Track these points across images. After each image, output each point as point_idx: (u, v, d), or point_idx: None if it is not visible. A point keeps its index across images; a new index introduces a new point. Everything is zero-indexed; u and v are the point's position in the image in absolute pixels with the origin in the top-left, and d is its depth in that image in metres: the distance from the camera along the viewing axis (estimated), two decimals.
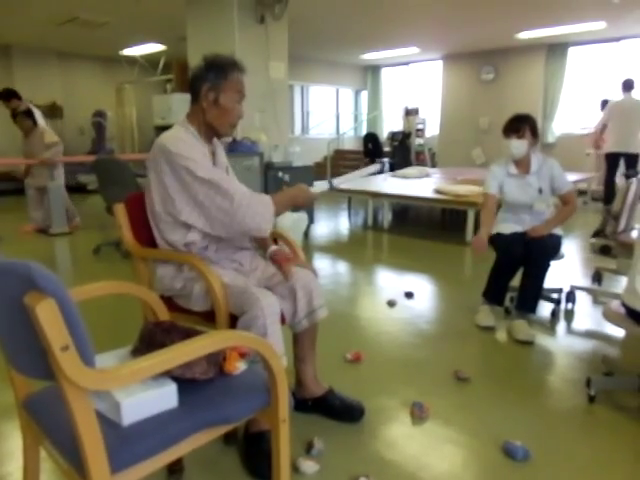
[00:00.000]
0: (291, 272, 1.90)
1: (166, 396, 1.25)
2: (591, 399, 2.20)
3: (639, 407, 2.17)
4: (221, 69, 1.82)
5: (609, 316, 2.11)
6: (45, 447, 1.31)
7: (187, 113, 1.93)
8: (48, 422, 1.25)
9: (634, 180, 2.91)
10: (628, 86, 6.80)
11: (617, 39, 9.01)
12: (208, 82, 1.81)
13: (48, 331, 0.93)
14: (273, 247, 2.04)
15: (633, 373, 2.23)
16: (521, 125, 2.97)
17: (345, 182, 1.88)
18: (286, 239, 2.20)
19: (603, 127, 6.99)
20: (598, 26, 8.01)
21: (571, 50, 9.53)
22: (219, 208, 1.73)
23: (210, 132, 1.91)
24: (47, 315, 0.93)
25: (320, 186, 1.86)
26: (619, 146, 6.84)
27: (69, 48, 9.83)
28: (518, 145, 2.97)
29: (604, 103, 7.93)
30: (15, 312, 0.99)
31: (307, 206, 1.90)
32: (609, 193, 6.87)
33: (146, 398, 1.21)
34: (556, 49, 9.58)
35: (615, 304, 2.13)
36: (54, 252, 5.33)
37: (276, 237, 2.18)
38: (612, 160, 6.96)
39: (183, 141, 1.80)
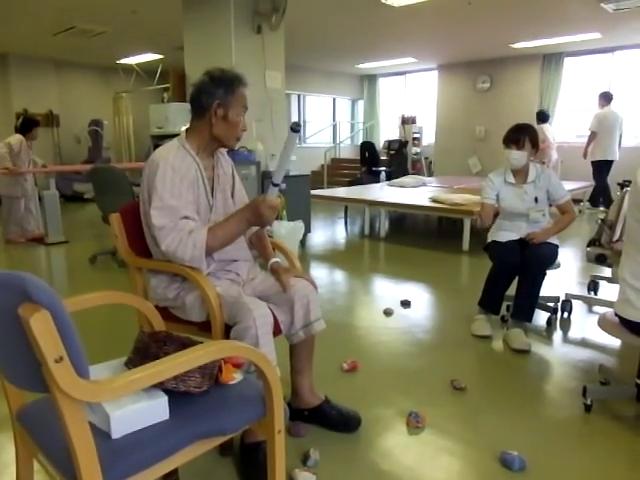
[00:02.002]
0: (289, 283, 1.91)
1: (157, 408, 1.24)
2: (587, 408, 2.19)
3: (635, 416, 2.17)
4: (229, 85, 1.84)
5: (604, 325, 2.11)
6: (38, 459, 1.30)
7: (187, 128, 1.94)
8: (42, 434, 1.24)
9: (628, 189, 2.92)
10: (609, 98, 7.61)
11: (612, 50, 9.10)
12: (217, 98, 1.82)
13: (42, 343, 0.93)
14: (274, 259, 2.04)
15: (629, 382, 2.23)
16: (521, 136, 2.99)
17: (280, 172, 1.79)
18: (283, 248, 2.20)
19: (592, 137, 7.66)
20: (593, 36, 8.09)
21: (567, 60, 9.61)
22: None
23: (214, 145, 1.93)
24: (41, 327, 0.92)
25: (272, 192, 1.82)
26: (608, 154, 7.66)
27: (66, 57, 9.86)
28: (518, 156, 2.99)
29: (539, 114, 8.51)
30: (9, 324, 0.99)
31: (267, 223, 1.88)
32: (607, 197, 7.63)
33: (136, 411, 1.20)
34: (552, 59, 9.66)
35: (610, 313, 2.13)
36: (50, 261, 5.32)
37: (273, 246, 2.18)
38: (602, 167, 7.73)
39: (167, 162, 1.80)
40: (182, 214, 1.77)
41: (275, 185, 1.80)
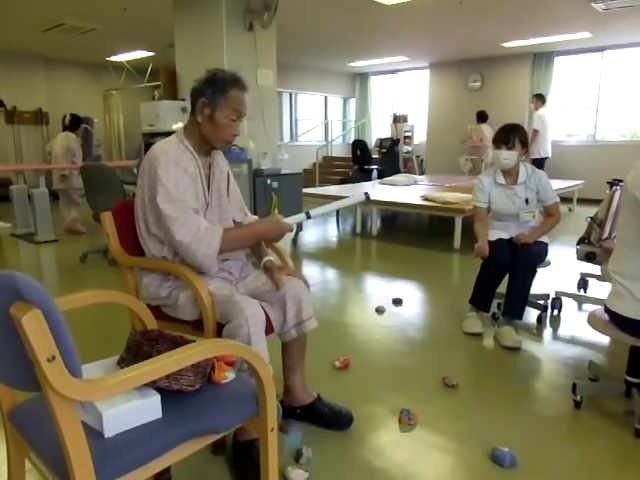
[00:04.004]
0: (282, 281, 1.91)
1: (150, 407, 1.24)
2: (577, 404, 2.22)
3: (624, 412, 2.20)
4: (219, 86, 1.82)
5: (593, 323, 2.13)
6: (30, 458, 1.30)
7: (185, 124, 1.95)
8: (34, 433, 1.23)
9: (618, 188, 2.95)
10: (544, 100, 8.25)
11: (601, 49, 9.17)
12: (204, 97, 1.82)
13: (34, 342, 0.92)
14: (267, 257, 2.04)
15: (619, 378, 2.25)
16: (510, 136, 2.98)
17: (323, 211, 1.96)
18: (275, 247, 2.20)
19: (534, 135, 8.02)
20: (583, 36, 8.15)
21: (557, 60, 9.67)
22: (166, 236, 1.82)
23: (206, 145, 1.92)
24: (33, 326, 0.92)
25: (296, 218, 1.89)
26: (548, 152, 8.30)
27: (55, 54, 9.77)
28: (508, 156, 2.99)
29: (479, 115, 9.06)
30: (0, 323, 0.98)
31: (277, 240, 1.93)
32: None
33: (129, 409, 1.20)
34: (542, 58, 9.71)
35: (599, 311, 2.15)
36: (40, 260, 5.28)
37: (265, 245, 2.17)
38: (542, 164, 8.24)
39: (168, 157, 1.80)
40: (193, 206, 1.79)
41: (307, 215, 1.92)
